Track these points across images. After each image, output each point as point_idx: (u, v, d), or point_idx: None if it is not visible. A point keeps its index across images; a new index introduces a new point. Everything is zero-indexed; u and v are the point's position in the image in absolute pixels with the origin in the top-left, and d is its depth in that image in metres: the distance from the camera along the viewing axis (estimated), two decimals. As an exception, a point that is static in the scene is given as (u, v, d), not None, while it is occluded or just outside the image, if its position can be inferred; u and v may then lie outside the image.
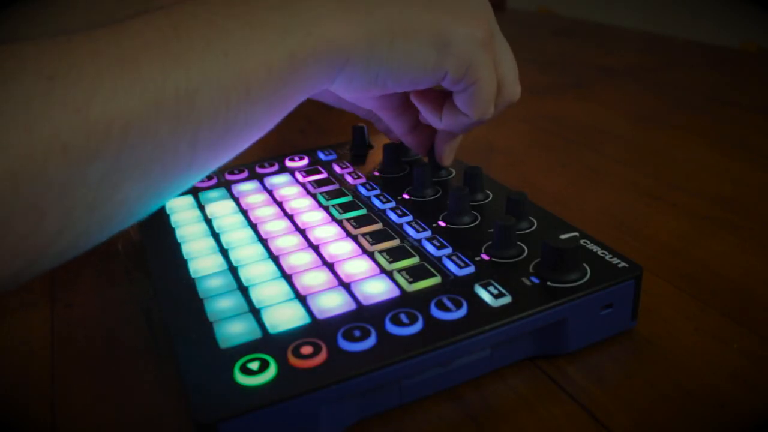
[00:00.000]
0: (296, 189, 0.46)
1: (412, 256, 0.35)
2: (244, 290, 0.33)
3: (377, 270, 0.34)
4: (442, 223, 0.39)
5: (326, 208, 0.42)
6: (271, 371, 0.27)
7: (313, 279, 0.34)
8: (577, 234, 0.37)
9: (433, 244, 0.36)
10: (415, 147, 0.46)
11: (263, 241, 0.38)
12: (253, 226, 0.40)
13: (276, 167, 0.49)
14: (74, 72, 0.24)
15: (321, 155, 0.52)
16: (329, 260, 0.36)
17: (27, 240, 0.23)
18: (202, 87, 0.26)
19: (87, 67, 0.24)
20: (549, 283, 0.32)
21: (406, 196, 0.43)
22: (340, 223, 0.40)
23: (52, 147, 0.23)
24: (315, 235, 0.39)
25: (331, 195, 0.44)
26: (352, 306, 0.31)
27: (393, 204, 0.42)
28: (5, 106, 0.22)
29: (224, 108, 0.27)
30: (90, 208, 0.25)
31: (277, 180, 0.47)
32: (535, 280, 0.33)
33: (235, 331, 0.30)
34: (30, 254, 0.24)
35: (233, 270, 0.35)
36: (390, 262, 0.35)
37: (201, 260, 0.37)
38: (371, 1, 0.32)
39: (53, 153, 0.23)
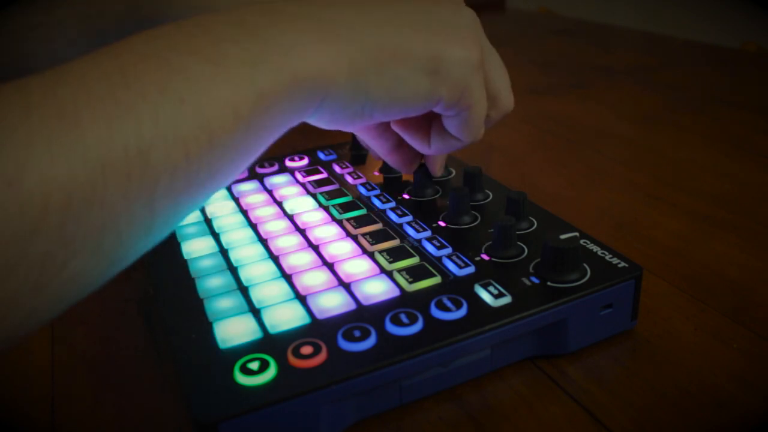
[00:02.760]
0: (296, 189, 0.46)
1: (412, 256, 0.35)
2: (244, 290, 0.33)
3: (377, 270, 0.34)
4: (442, 223, 0.39)
5: (326, 208, 0.42)
6: (271, 371, 0.27)
7: (313, 279, 0.34)
8: (577, 234, 0.37)
9: (433, 244, 0.36)
10: (399, 166, 0.42)
11: (263, 241, 0.38)
12: (253, 226, 0.40)
13: (276, 167, 0.49)
14: (3, 135, 0.20)
15: (321, 155, 0.52)
16: (329, 260, 0.36)
17: None
18: (156, 142, 0.23)
19: (18, 129, 0.20)
20: (549, 283, 0.32)
21: (406, 196, 0.43)
22: (340, 223, 0.40)
23: None
24: (315, 235, 0.39)
25: (331, 195, 0.44)
26: (352, 306, 0.31)
27: (393, 204, 0.42)
28: None
29: (183, 162, 0.24)
30: (34, 289, 0.21)
31: (277, 180, 0.47)
32: (535, 280, 0.33)
33: (235, 331, 0.30)
34: None
35: (233, 270, 0.35)
36: (390, 262, 0.35)
37: (201, 260, 0.37)
38: (353, 25, 0.29)
39: None
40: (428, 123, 0.36)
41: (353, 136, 0.52)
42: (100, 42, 0.42)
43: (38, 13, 0.43)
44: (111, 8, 0.42)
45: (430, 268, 0.34)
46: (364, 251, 0.37)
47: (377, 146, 0.40)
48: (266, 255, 0.37)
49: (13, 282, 0.21)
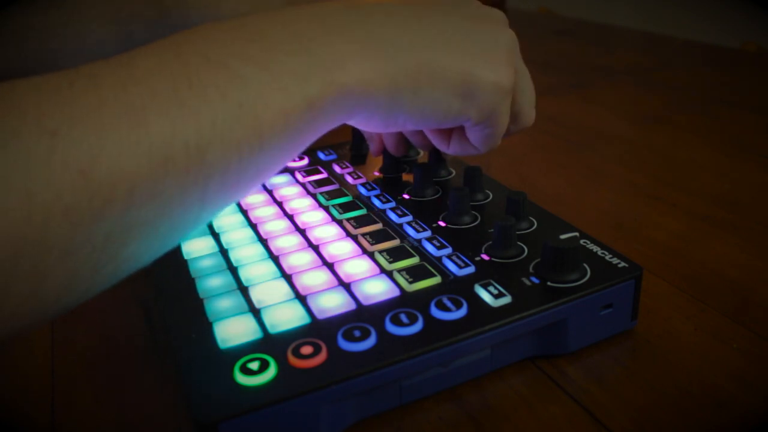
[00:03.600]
0: (296, 189, 0.46)
1: (412, 256, 0.35)
2: (244, 290, 0.33)
3: (377, 270, 0.34)
4: (442, 223, 0.39)
5: (326, 208, 0.42)
6: (271, 371, 0.27)
7: (313, 279, 0.34)
8: (577, 234, 0.37)
9: (433, 244, 0.36)
10: (393, 149, 0.45)
11: (263, 241, 0.38)
12: (253, 226, 0.40)
13: (276, 167, 0.49)
14: (78, 128, 0.22)
15: (321, 155, 0.52)
16: (329, 260, 0.36)
17: (27, 303, 0.22)
18: (213, 141, 0.24)
19: (91, 122, 0.22)
20: (549, 283, 0.32)
21: (406, 196, 0.43)
22: (340, 223, 0.40)
23: (53, 211, 0.21)
24: (315, 235, 0.39)
25: (331, 195, 0.44)
26: (352, 306, 0.31)
27: (393, 204, 0.42)
28: (4, 168, 0.20)
29: (236, 160, 0.26)
30: (94, 268, 0.23)
31: (277, 180, 0.47)
32: (535, 280, 0.33)
33: (235, 331, 0.30)
34: (31, 316, 0.23)
35: (233, 270, 0.35)
36: (390, 262, 0.35)
37: (201, 260, 0.37)
38: (397, 44, 0.30)
39: (54, 216, 0.21)
40: (451, 128, 0.38)
41: (353, 136, 0.52)
42: (129, 44, 0.44)
43: (65, 13, 0.44)
44: (141, 13, 0.44)
45: (430, 268, 0.34)
46: (364, 251, 0.37)
47: (409, 136, 0.43)
48: (266, 255, 0.37)
49: (75, 259, 0.22)
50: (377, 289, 0.33)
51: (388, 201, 0.42)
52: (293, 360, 0.28)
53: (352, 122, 0.32)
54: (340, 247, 0.37)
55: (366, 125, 0.33)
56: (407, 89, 0.31)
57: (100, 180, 0.22)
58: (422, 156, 0.50)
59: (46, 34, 0.43)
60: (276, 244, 0.38)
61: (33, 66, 0.43)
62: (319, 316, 0.31)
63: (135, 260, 0.25)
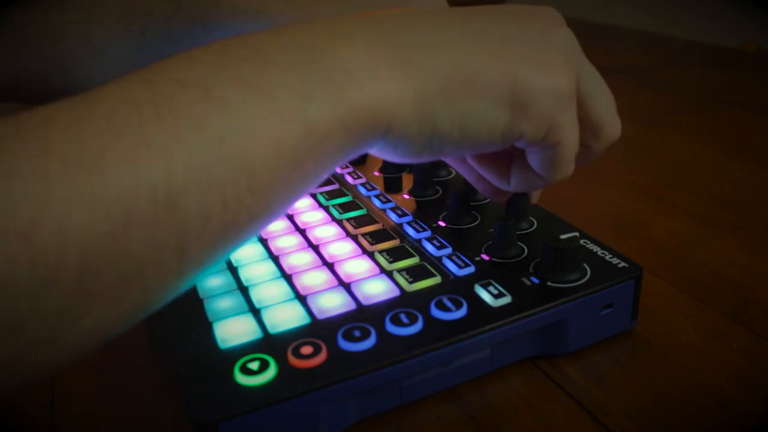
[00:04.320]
0: (296, 189, 0.46)
1: (412, 256, 0.35)
2: (244, 290, 0.33)
3: (377, 270, 0.34)
4: (442, 223, 0.39)
5: (326, 208, 0.42)
6: (271, 371, 0.27)
7: (313, 279, 0.34)
8: (577, 234, 0.37)
9: (433, 244, 0.36)
10: (491, 195, 0.37)
11: (263, 241, 0.38)
12: (253, 226, 0.40)
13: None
14: (18, 184, 0.18)
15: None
16: (329, 260, 0.36)
17: None
18: (188, 186, 0.20)
19: (35, 175, 0.18)
20: (549, 283, 0.32)
21: (406, 197, 0.43)
22: (340, 223, 0.40)
23: None
24: (315, 235, 0.39)
25: (331, 195, 0.44)
26: (352, 306, 0.31)
27: (393, 204, 0.42)
28: None
29: (219, 206, 0.21)
30: (46, 342, 0.19)
31: (277, 180, 0.47)
32: (535, 280, 0.33)
33: (235, 331, 0.30)
34: None
35: (233, 270, 0.35)
36: (390, 262, 0.35)
37: (201, 260, 0.36)
38: (424, 48, 0.25)
39: None
40: (509, 156, 0.32)
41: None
42: (142, 43, 0.40)
43: (75, 10, 0.41)
44: (156, 9, 0.41)
45: (430, 268, 0.34)
46: (364, 251, 0.37)
47: (463, 173, 0.37)
48: (266, 255, 0.37)
49: (22, 337, 0.19)
50: (377, 289, 0.33)
51: (388, 201, 0.42)
52: (293, 360, 0.28)
53: (376, 151, 0.27)
54: (340, 247, 0.37)
55: (395, 154, 0.27)
56: (440, 102, 0.25)
57: (44, 243, 0.18)
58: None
59: (53, 33, 0.42)
60: (276, 245, 0.38)
61: (41, 66, 0.42)
62: (319, 316, 0.31)
63: (102, 331, 0.21)
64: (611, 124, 0.31)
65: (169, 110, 0.20)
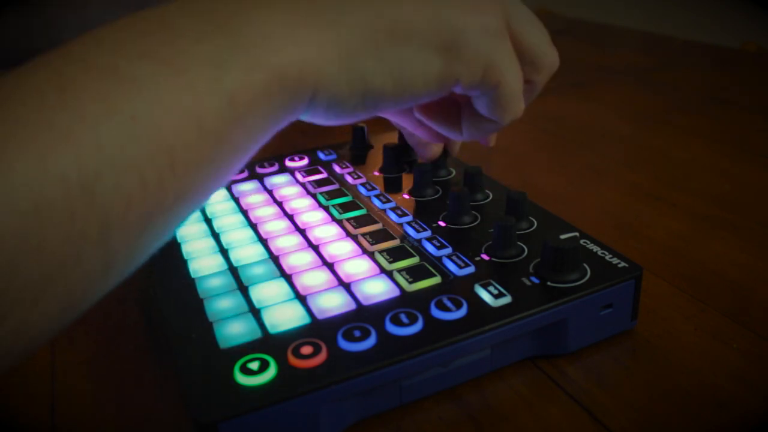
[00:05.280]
0: (296, 189, 0.46)
1: (412, 256, 0.35)
2: (244, 290, 0.33)
3: (377, 270, 0.34)
4: (442, 223, 0.39)
5: (326, 208, 0.42)
6: (271, 371, 0.27)
7: (313, 279, 0.34)
8: (577, 234, 0.37)
9: (433, 244, 0.36)
10: (421, 150, 0.36)
11: (263, 241, 0.38)
12: (253, 226, 0.40)
13: (276, 167, 0.49)
14: None
15: (321, 155, 0.52)
16: (329, 260, 0.36)
17: None
18: (102, 171, 0.19)
19: None
20: (549, 283, 0.32)
21: (406, 196, 0.43)
22: (340, 223, 0.40)
23: None
24: (315, 235, 0.39)
25: (331, 195, 0.44)
26: (352, 306, 0.31)
27: (393, 204, 0.42)
28: None
29: (139, 189, 0.20)
30: None
31: (277, 180, 0.47)
32: (535, 280, 0.33)
33: (235, 331, 0.30)
34: None
35: (233, 270, 0.35)
36: (390, 262, 0.35)
37: (201, 260, 0.37)
38: (340, 1, 0.24)
39: None
40: (456, 106, 0.31)
41: (353, 137, 0.52)
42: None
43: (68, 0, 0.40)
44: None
45: (430, 268, 0.34)
46: (364, 251, 0.37)
47: (398, 124, 0.35)
48: (266, 255, 0.37)
49: None
50: (377, 289, 0.33)
51: (388, 201, 0.42)
52: (293, 360, 0.28)
53: (308, 117, 0.26)
54: (340, 247, 0.37)
55: (328, 117, 0.26)
56: (367, 56, 0.24)
57: None
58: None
59: (48, 25, 0.42)
60: (276, 244, 0.38)
61: (37, 39, 0.42)
62: (319, 316, 0.31)
63: (27, 334, 0.19)
64: (548, 54, 0.30)
65: (73, 93, 0.19)
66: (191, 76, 0.21)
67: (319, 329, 0.30)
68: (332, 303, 0.32)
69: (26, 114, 0.18)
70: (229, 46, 0.21)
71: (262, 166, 0.49)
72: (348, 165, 0.49)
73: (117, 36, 0.21)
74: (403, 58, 0.25)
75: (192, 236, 0.39)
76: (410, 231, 0.38)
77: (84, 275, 0.20)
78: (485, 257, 0.35)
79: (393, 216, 0.40)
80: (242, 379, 0.27)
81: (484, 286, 0.32)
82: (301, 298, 0.32)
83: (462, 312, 0.30)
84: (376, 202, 0.42)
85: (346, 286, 0.33)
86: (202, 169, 0.22)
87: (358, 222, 0.39)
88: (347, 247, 0.37)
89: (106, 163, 0.19)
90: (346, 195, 0.44)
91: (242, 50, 0.22)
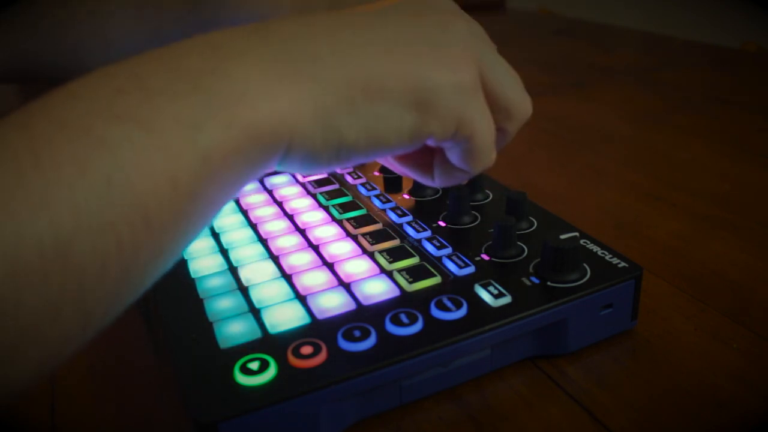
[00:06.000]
0: (296, 189, 0.46)
1: (412, 256, 0.35)
2: (244, 290, 0.33)
3: (377, 270, 0.34)
4: (442, 223, 0.39)
5: (326, 208, 0.42)
6: (271, 371, 0.27)
7: (313, 279, 0.34)
8: (577, 234, 0.37)
9: (433, 244, 0.36)
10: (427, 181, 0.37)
11: (263, 241, 0.38)
12: (253, 226, 0.40)
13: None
14: None
15: (321, 155, 0.52)
16: (329, 260, 0.36)
17: None
18: (77, 233, 0.19)
19: None
20: (549, 283, 0.32)
21: (406, 196, 0.43)
22: (340, 223, 0.40)
23: None
24: (315, 235, 0.39)
25: (331, 195, 0.44)
26: (352, 306, 0.31)
27: (393, 204, 0.42)
28: None
29: (115, 250, 0.20)
30: None
31: (277, 180, 0.47)
32: (535, 280, 0.33)
33: (235, 331, 0.30)
34: None
35: (233, 270, 0.35)
36: (390, 262, 0.35)
37: (201, 260, 0.37)
38: (316, 57, 0.24)
39: None
40: (429, 153, 0.32)
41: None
42: (158, 41, 0.39)
43: (87, 3, 0.40)
44: (169, 6, 0.40)
45: (430, 268, 0.34)
46: (364, 251, 0.37)
47: (388, 165, 0.35)
48: (266, 255, 0.37)
49: None
50: (377, 289, 0.33)
51: (388, 201, 0.42)
52: (293, 360, 0.28)
53: (283, 168, 0.26)
54: (340, 247, 0.37)
55: (303, 168, 0.26)
56: (342, 112, 0.25)
57: None
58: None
59: (65, 25, 0.41)
60: (276, 244, 0.38)
61: (53, 56, 0.41)
62: (319, 316, 0.31)
63: (6, 390, 0.19)
64: (521, 103, 0.30)
65: (48, 155, 0.19)
66: (166, 137, 0.21)
67: (319, 329, 0.30)
68: (332, 303, 0.32)
69: (1, 178, 0.18)
70: (202, 106, 0.22)
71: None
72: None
73: (90, 94, 0.21)
74: (378, 114, 0.25)
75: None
76: (410, 231, 0.38)
77: (61, 333, 0.20)
78: (485, 257, 0.35)
79: (393, 216, 0.40)
80: (242, 379, 0.27)
81: (484, 286, 0.32)
82: (301, 298, 0.32)
83: (462, 312, 0.30)
84: (376, 202, 0.42)
85: (346, 286, 0.33)
86: (176, 226, 0.22)
87: (358, 222, 0.39)
88: (347, 247, 0.37)
89: (82, 226, 0.19)
90: (346, 195, 0.44)
91: (215, 109, 0.22)
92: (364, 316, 0.31)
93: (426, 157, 0.32)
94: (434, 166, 0.32)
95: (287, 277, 0.34)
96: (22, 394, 0.20)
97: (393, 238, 0.37)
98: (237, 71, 0.23)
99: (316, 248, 0.37)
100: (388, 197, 0.43)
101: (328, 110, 0.24)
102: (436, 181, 0.32)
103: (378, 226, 0.39)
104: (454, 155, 0.29)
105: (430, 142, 0.28)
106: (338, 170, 0.48)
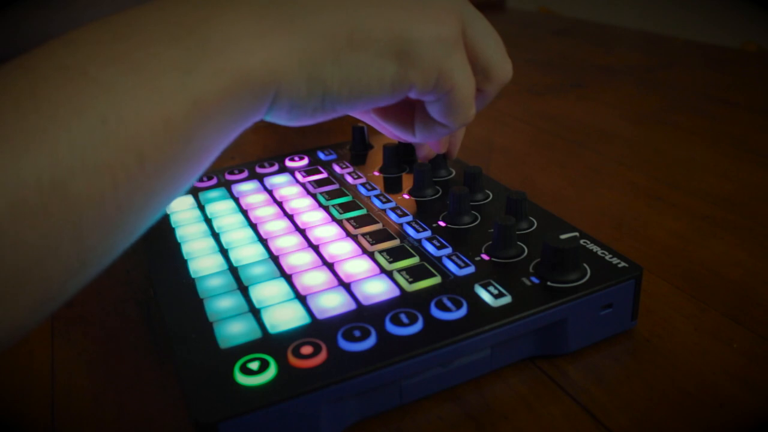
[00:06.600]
0: (296, 189, 0.46)
1: (412, 256, 0.35)
2: (244, 290, 0.33)
3: (377, 270, 0.34)
4: (442, 223, 0.39)
5: (326, 208, 0.42)
6: (271, 371, 0.27)
7: (313, 279, 0.34)
8: (577, 234, 0.37)
9: (433, 244, 0.36)
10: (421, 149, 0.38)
11: (263, 241, 0.38)
12: (253, 226, 0.40)
13: (276, 167, 0.49)
14: None
15: (321, 155, 0.52)
16: (329, 260, 0.36)
17: None
18: (75, 171, 0.20)
19: None
20: (549, 283, 0.32)
21: (406, 196, 0.43)
22: (340, 223, 0.40)
23: None
24: (315, 235, 0.39)
25: (331, 195, 0.44)
26: (352, 306, 0.31)
27: (393, 204, 0.42)
28: None
29: (111, 189, 0.21)
30: None
31: (277, 180, 0.47)
32: (535, 280, 0.33)
33: (235, 331, 0.30)
34: None
35: (233, 270, 0.35)
36: (390, 262, 0.35)
37: (201, 260, 0.37)
38: (303, 7, 0.25)
39: None
40: (410, 108, 0.33)
41: (353, 137, 0.52)
42: None
43: (64, 9, 0.41)
44: None
45: (430, 268, 0.34)
46: (364, 251, 0.37)
47: (369, 122, 0.36)
48: (266, 255, 0.37)
49: None
50: (377, 289, 0.33)
51: (388, 201, 0.42)
52: (293, 360, 0.28)
53: (271, 117, 0.27)
54: (340, 247, 0.37)
55: (289, 118, 0.27)
56: (325, 60, 0.25)
57: None
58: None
59: (42, 21, 0.41)
60: (276, 244, 0.38)
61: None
62: (319, 316, 0.31)
63: (6, 328, 0.20)
64: (500, 65, 0.31)
65: (47, 96, 0.20)
66: (159, 80, 0.22)
67: (319, 329, 0.30)
68: (332, 303, 0.32)
69: (1, 118, 0.19)
70: (196, 51, 0.22)
71: (262, 166, 0.49)
72: (348, 165, 0.49)
73: (90, 38, 0.22)
74: (360, 64, 0.26)
75: (192, 236, 0.39)
76: (410, 231, 0.38)
77: (61, 269, 0.21)
78: (485, 257, 0.35)
79: (393, 216, 0.40)
80: (242, 379, 0.27)
81: (484, 286, 0.32)
82: (301, 298, 0.32)
83: (462, 312, 0.30)
84: (376, 202, 0.42)
85: (346, 286, 0.33)
86: (171, 168, 0.23)
87: (358, 222, 0.39)
88: (347, 247, 0.37)
89: (79, 165, 0.20)
90: (346, 195, 0.44)
91: (208, 55, 0.23)
92: (364, 316, 0.31)
93: (407, 112, 0.33)
94: (415, 121, 0.32)
95: (287, 277, 0.34)
96: (23, 334, 0.21)
97: (393, 238, 0.37)
98: (229, 19, 0.23)
99: (316, 248, 0.37)
100: (388, 197, 0.43)
101: (313, 60, 0.25)
102: (417, 136, 0.33)
103: (378, 226, 0.39)
104: (434, 109, 0.30)
105: (412, 95, 0.29)
106: (338, 169, 0.48)
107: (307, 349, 0.28)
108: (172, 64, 0.22)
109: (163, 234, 0.40)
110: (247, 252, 0.37)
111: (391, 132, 0.36)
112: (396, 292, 0.32)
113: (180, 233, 0.40)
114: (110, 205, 0.21)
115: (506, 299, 0.31)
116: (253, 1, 0.25)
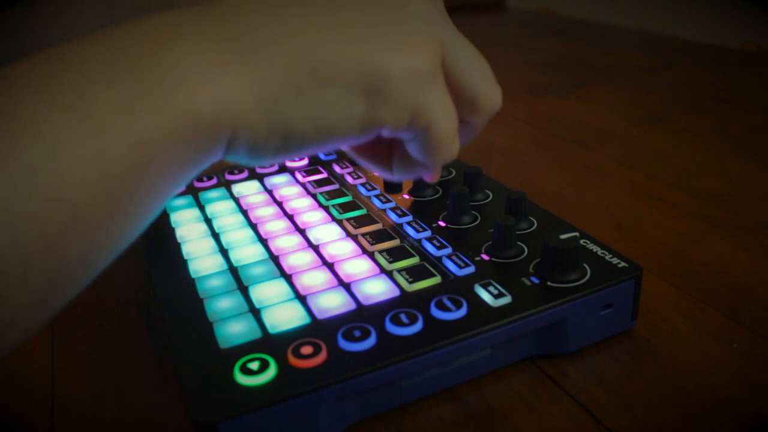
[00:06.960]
0: (296, 189, 0.46)
1: (412, 256, 0.35)
2: (244, 290, 0.33)
3: (377, 270, 0.34)
4: (442, 223, 0.39)
5: (326, 208, 0.42)
6: (271, 371, 0.27)
7: (313, 279, 0.34)
8: (577, 234, 0.37)
9: (433, 244, 0.36)
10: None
11: (263, 241, 0.38)
12: (253, 226, 0.40)
13: (276, 167, 0.49)
14: None
15: (321, 155, 0.52)
16: (329, 260, 0.36)
17: None
18: (1, 223, 0.18)
19: None
20: (549, 283, 0.32)
21: (406, 197, 0.43)
22: (340, 223, 0.40)
23: None
24: (315, 235, 0.39)
25: (331, 195, 0.44)
26: (352, 306, 0.31)
27: (393, 204, 0.42)
28: None
29: (40, 244, 0.19)
30: None
31: (277, 180, 0.47)
32: (535, 280, 0.33)
33: (235, 331, 0.30)
34: None
35: (233, 270, 0.35)
36: (390, 262, 0.35)
37: (201, 260, 0.37)
38: (260, 37, 0.22)
39: None
40: (388, 144, 0.30)
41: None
42: None
43: (54, 2, 0.39)
44: (140, 4, 0.38)
45: (430, 268, 0.34)
46: (364, 251, 0.37)
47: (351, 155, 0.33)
48: (266, 255, 0.37)
49: None
50: (377, 289, 0.33)
51: (388, 201, 0.42)
52: (293, 360, 0.28)
53: (230, 158, 0.24)
54: (340, 247, 0.37)
55: (248, 160, 0.24)
56: (287, 99, 0.23)
57: None
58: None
59: (33, 26, 0.41)
60: (276, 244, 0.38)
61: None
62: (319, 316, 0.31)
63: None
64: (488, 94, 0.28)
65: None
66: (97, 124, 0.20)
67: (319, 329, 0.30)
68: (332, 303, 0.32)
69: None
70: (139, 90, 0.20)
71: (262, 166, 0.49)
72: (348, 165, 0.49)
73: (22, 79, 0.20)
74: (325, 101, 0.23)
75: (192, 236, 0.39)
76: (410, 231, 0.38)
77: None
78: (485, 257, 0.35)
79: (393, 216, 0.40)
80: (242, 379, 0.27)
81: (484, 286, 0.32)
82: (301, 298, 0.32)
83: (462, 312, 0.30)
84: (376, 202, 0.42)
85: (346, 286, 0.33)
86: (110, 219, 0.21)
87: (358, 222, 0.39)
88: (347, 247, 0.37)
89: (6, 216, 0.18)
90: (346, 195, 0.44)
91: (152, 95, 0.20)
92: (364, 316, 0.31)
93: (384, 148, 0.30)
94: (393, 158, 0.30)
95: (287, 277, 0.34)
96: None
97: (393, 238, 0.37)
98: (176, 54, 0.21)
99: (316, 248, 0.37)
100: (388, 197, 0.43)
101: (272, 97, 0.22)
102: (395, 174, 0.30)
103: (378, 226, 0.39)
104: (412, 147, 0.27)
105: (385, 133, 0.26)
106: (338, 169, 0.48)
107: (307, 349, 0.28)
108: (111, 104, 0.20)
109: (163, 234, 0.40)
110: (247, 252, 0.37)
111: (367, 167, 0.33)
112: (396, 292, 0.32)
113: (180, 233, 0.40)
114: (39, 262, 0.19)
115: (506, 299, 0.31)
116: (203, 31, 0.22)
